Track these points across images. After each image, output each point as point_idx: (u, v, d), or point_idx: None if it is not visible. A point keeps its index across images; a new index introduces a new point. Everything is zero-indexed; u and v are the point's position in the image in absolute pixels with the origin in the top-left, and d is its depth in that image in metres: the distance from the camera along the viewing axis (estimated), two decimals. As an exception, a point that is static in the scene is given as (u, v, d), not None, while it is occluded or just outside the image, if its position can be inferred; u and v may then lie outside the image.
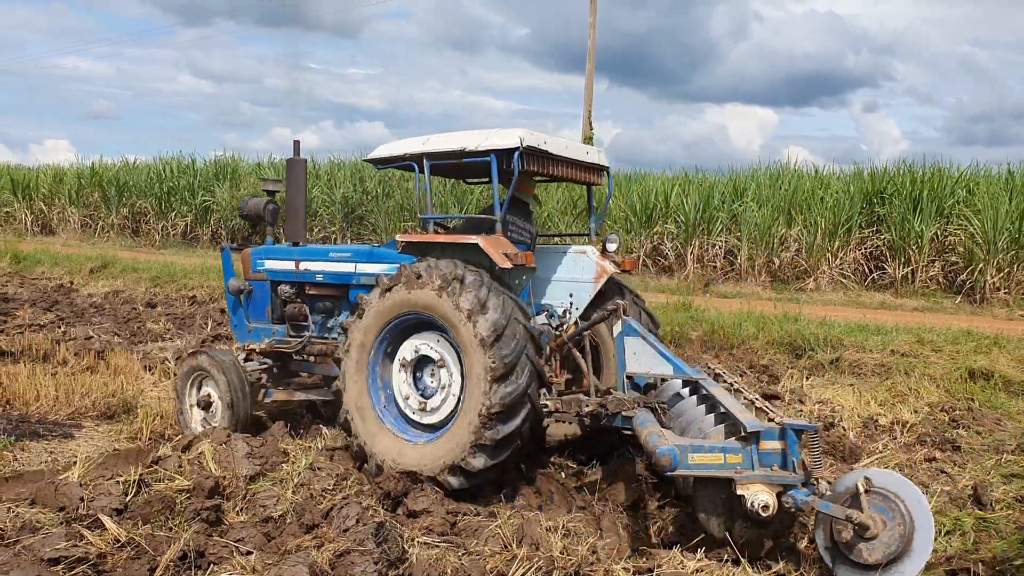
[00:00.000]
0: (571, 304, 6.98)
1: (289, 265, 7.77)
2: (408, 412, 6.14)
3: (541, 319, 6.84)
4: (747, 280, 18.37)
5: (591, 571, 4.33)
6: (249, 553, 4.58)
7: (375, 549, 4.35)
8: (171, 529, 4.83)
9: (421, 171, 6.43)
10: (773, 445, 4.66)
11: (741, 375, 10.18)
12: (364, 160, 7.14)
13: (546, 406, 5.99)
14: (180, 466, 5.89)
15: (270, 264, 7.94)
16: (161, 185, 28.97)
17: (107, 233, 29.88)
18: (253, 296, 8.07)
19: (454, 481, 5.57)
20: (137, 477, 5.53)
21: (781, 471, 4.60)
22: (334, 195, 25.22)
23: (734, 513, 4.68)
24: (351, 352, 6.21)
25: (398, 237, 6.57)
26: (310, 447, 6.42)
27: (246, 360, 7.49)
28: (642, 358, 6.13)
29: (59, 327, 12.18)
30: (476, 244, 6.02)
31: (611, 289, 7.01)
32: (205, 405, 7.25)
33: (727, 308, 12.85)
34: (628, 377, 6.18)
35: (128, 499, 5.28)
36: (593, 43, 24.43)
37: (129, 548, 4.49)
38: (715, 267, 19.10)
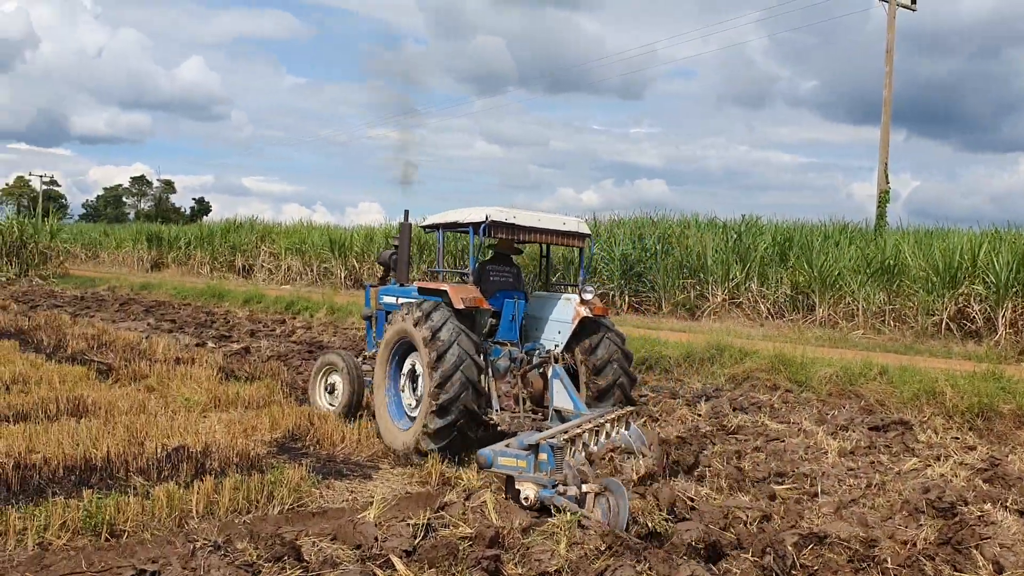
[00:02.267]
0: (559, 336, 9.07)
1: (393, 299, 10.00)
2: (406, 409, 8.61)
3: (510, 351, 8.94)
4: (1074, 349, 16.27)
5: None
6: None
7: (647, 615, 4.30)
8: (453, 575, 5.07)
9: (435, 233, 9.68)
10: (543, 456, 6.41)
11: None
12: (419, 226, 10.48)
13: (488, 415, 8.30)
14: (464, 513, 6.20)
15: (386, 298, 10.24)
16: (456, 243, 30.99)
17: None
18: (377, 320, 10.45)
19: (415, 457, 7.98)
20: (425, 521, 5.88)
21: (546, 474, 6.30)
22: (613, 252, 25.59)
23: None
24: (377, 364, 8.92)
25: (417, 283, 9.17)
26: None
27: (363, 363, 10.08)
28: (559, 396, 8.44)
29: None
30: (445, 291, 8.34)
31: (591, 327, 9.01)
32: (331, 390, 10.12)
33: (1047, 380, 11.46)
34: (556, 410, 8.40)
35: (417, 542, 5.62)
36: (889, 93, 23.19)
37: (415, 589, 4.77)
38: (1033, 333, 17.11)
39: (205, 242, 46.04)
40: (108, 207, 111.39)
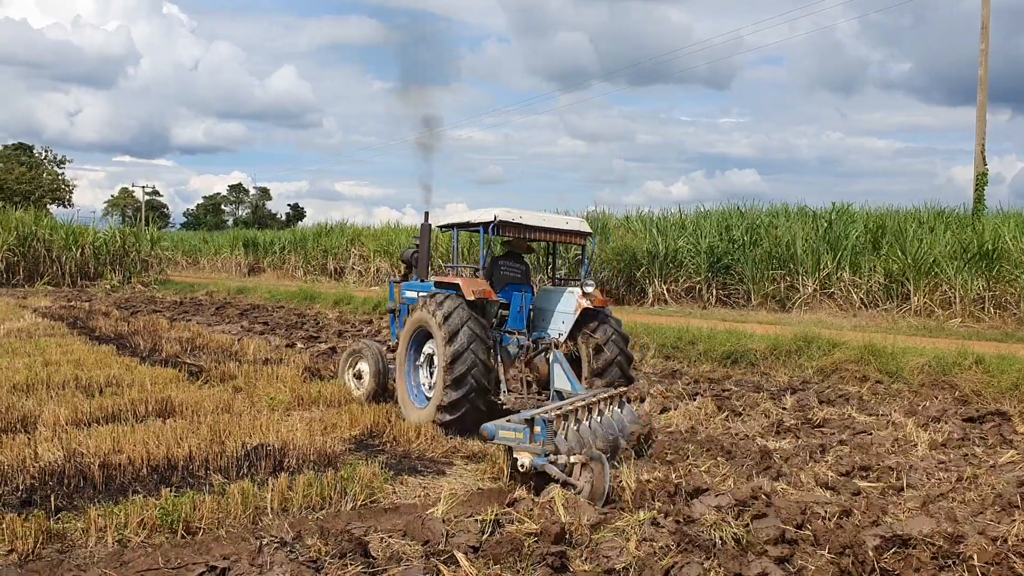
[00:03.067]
0: (563, 326, 9.79)
1: (414, 293, 10.69)
2: (423, 390, 9.58)
3: (518, 339, 9.82)
4: None
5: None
6: (589, 603, 4.63)
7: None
8: (518, 571, 5.03)
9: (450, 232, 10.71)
10: (537, 429, 7.03)
11: None
12: (436, 227, 11.18)
13: (497, 397, 9.24)
14: (532, 509, 6.15)
15: (407, 293, 10.97)
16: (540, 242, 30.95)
17: (493, 285, 32.50)
18: (400, 313, 11.19)
19: (436, 428, 8.81)
20: (493, 517, 5.86)
21: (540, 445, 6.93)
22: (699, 245, 25.17)
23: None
24: (398, 351, 9.88)
25: (433, 278, 10.10)
26: (643, 501, 6.36)
27: (388, 351, 10.99)
28: (559, 379, 9.26)
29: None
30: (457, 284, 9.19)
31: (592, 317, 9.72)
32: (357, 376, 11.14)
33: None
34: (557, 391, 9.15)
35: (484, 538, 5.60)
36: (985, 71, 22.18)
37: (478, 586, 4.75)
38: None
39: (298, 246, 47.25)
40: (208, 215, 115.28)
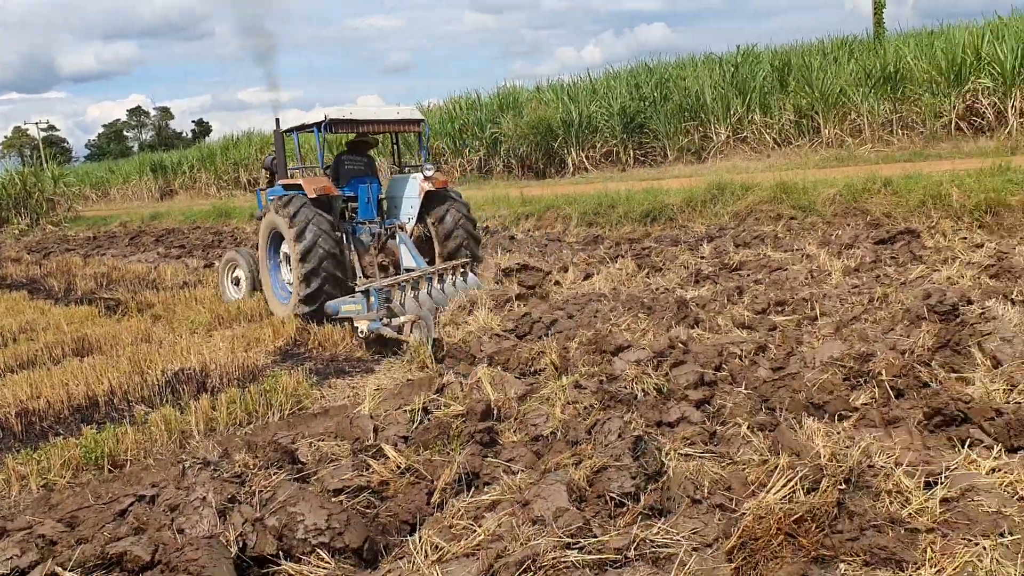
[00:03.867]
0: (412, 210, 10.57)
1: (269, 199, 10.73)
2: (286, 286, 10.17)
3: (369, 227, 10.51)
4: (1086, 129, 15.77)
5: (866, 479, 3.96)
6: (518, 472, 4.72)
7: (632, 464, 4.29)
8: (448, 453, 5.09)
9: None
10: (372, 299, 8.28)
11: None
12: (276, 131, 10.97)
13: (354, 284, 9.55)
14: (461, 391, 6.21)
15: (271, 198, 10.49)
16: (453, 124, 30.38)
17: (412, 176, 32.01)
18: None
19: (297, 320, 9.33)
20: (421, 405, 5.89)
21: (375, 312, 8.23)
22: (612, 107, 24.97)
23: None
24: (259, 254, 10.49)
25: (280, 181, 10.51)
26: (567, 366, 6.45)
27: None
28: (406, 257, 10.18)
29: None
30: (299, 184, 9.76)
31: (437, 199, 10.54)
32: (235, 282, 11.73)
33: (1056, 165, 11.14)
34: (406, 269, 10.01)
35: (414, 427, 5.65)
36: None
37: (409, 474, 4.79)
38: (1044, 119, 16.57)
39: (207, 163, 45.75)
40: (111, 143, 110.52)
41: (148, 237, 25.38)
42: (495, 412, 5.66)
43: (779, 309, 7.75)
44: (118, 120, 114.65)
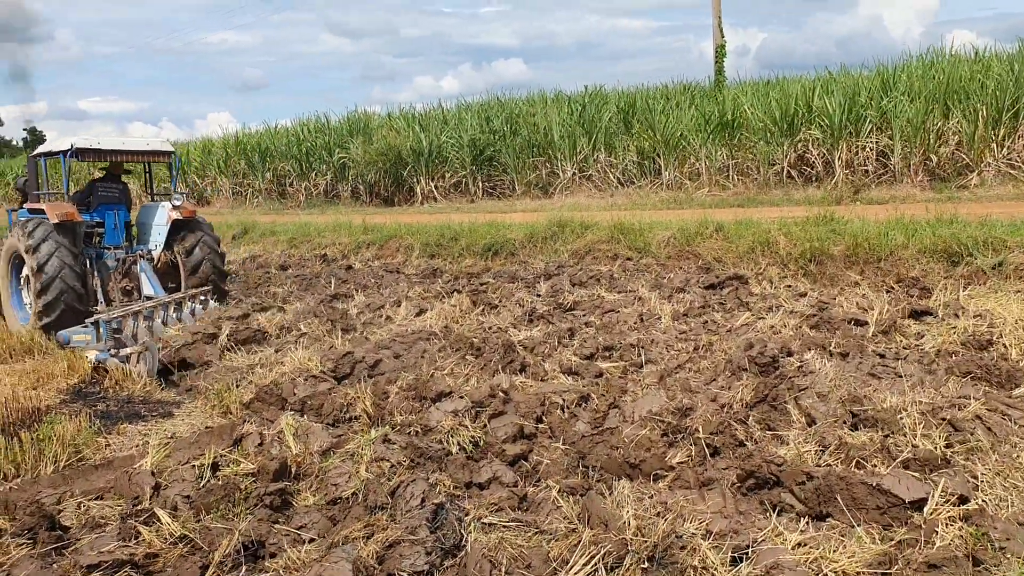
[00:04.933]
0: (159, 238, 10.90)
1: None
2: (26, 307, 10.28)
3: (115, 253, 10.75)
4: (902, 182, 16.66)
5: (673, 553, 3.73)
6: (310, 541, 4.26)
7: (428, 537, 3.92)
8: (233, 518, 4.56)
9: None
10: (101, 331, 8.40)
11: (887, 291, 9.13)
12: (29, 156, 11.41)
13: (95, 309, 9.77)
14: (260, 444, 5.68)
15: (17, 219, 10.70)
16: (300, 147, 29.50)
17: (256, 198, 30.84)
18: None
19: (38, 337, 9.40)
20: (211, 461, 5.32)
21: (104, 343, 8.38)
22: (463, 138, 24.83)
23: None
24: (0, 276, 10.60)
25: (26, 206, 10.73)
26: (382, 414, 6.04)
27: None
28: (146, 286, 10.43)
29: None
30: (42, 209, 9.87)
31: (185, 227, 10.87)
32: None
33: (875, 216, 11.61)
34: (146, 296, 10.25)
35: (203, 484, 5.08)
36: (715, -57, 22.71)
37: (183, 544, 4.25)
38: (867, 171, 17.43)
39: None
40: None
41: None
42: (293, 469, 5.16)
43: (607, 354, 7.59)
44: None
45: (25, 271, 10.12)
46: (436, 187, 25.32)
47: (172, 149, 11.45)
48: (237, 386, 7.38)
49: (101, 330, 8.42)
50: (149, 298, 10.10)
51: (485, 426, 5.65)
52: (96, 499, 5.01)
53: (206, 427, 6.51)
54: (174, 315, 9.64)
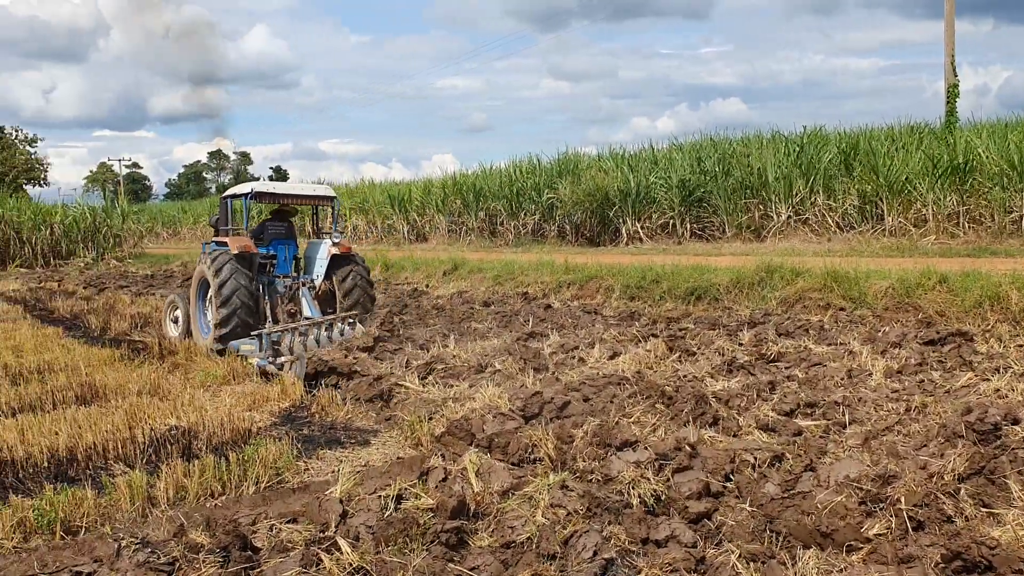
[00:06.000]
0: (320, 269, 12.62)
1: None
2: (210, 325, 11.68)
3: (283, 281, 12.56)
4: None
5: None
6: (481, 584, 4.25)
7: (595, 593, 3.79)
8: (408, 553, 4.63)
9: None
10: (267, 342, 10.20)
11: None
12: (221, 198, 13.63)
13: (269, 329, 10.74)
14: (444, 479, 5.75)
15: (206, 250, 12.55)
16: (512, 187, 30.32)
17: (469, 236, 31.94)
18: None
19: (216, 351, 11.12)
20: (397, 492, 5.45)
21: (264, 353, 10.14)
22: (671, 179, 24.59)
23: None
24: (191, 296, 12.49)
25: (214, 239, 12.66)
26: (564, 458, 5.95)
27: None
28: (306, 308, 12.12)
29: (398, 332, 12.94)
30: (225, 242, 11.83)
31: (342, 262, 12.59)
32: (175, 321, 13.39)
33: None
34: (307, 317, 11.84)
35: (386, 515, 5.21)
36: (951, -23, 21.32)
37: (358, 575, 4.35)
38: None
39: (274, 209, 46.41)
40: (190, 184, 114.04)
41: (201, 279, 25.55)
42: (472, 508, 5.19)
43: (808, 412, 7.15)
44: (199, 161, 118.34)
45: (210, 293, 11.65)
46: (642, 228, 25.20)
47: (334, 195, 13.19)
48: (430, 419, 7.57)
49: (263, 342, 10.20)
50: (308, 319, 11.67)
51: (668, 480, 5.44)
52: (288, 522, 5.24)
53: (397, 458, 6.70)
54: (325, 334, 11.16)
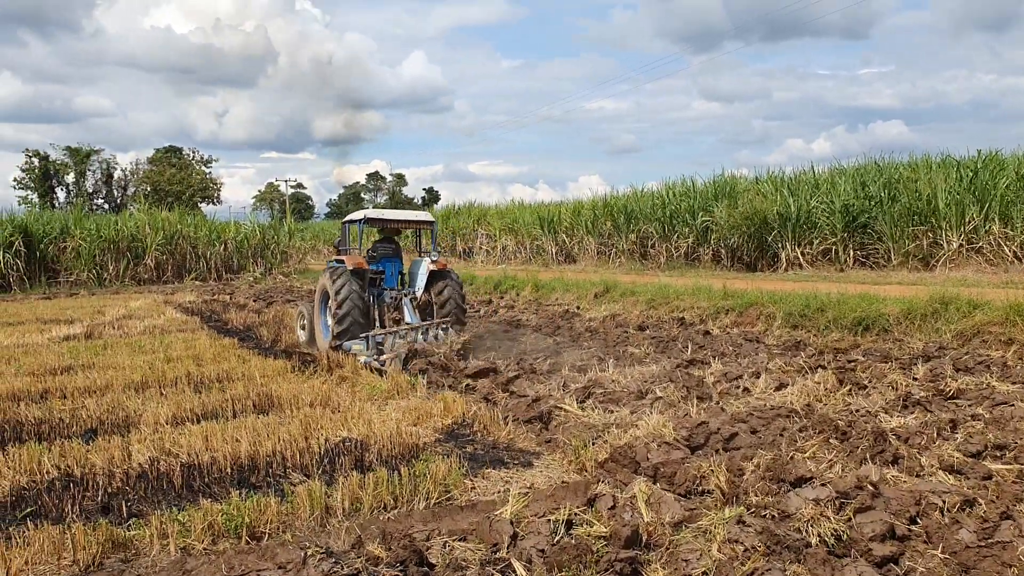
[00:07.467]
0: (420, 283, 14.63)
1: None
2: (329, 329, 13.70)
3: (390, 293, 14.84)
4: None
5: None
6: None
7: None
8: (583, 579, 4.61)
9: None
10: (372, 342, 12.47)
11: None
12: (342, 222, 16.19)
13: (375, 332, 12.86)
14: (613, 507, 5.71)
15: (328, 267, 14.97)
16: (664, 209, 30.02)
17: (619, 258, 31.80)
18: None
19: (331, 352, 12.76)
20: (566, 517, 5.44)
21: (370, 351, 12.40)
22: (834, 203, 23.72)
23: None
24: (314, 305, 14.87)
25: (334, 257, 14.87)
26: (736, 492, 5.79)
27: None
28: (408, 315, 14.37)
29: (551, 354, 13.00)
30: (343, 260, 13.98)
31: (439, 277, 14.54)
32: (303, 327, 15.46)
33: None
34: (407, 323, 13.93)
35: (557, 540, 5.21)
36: None
37: (534, 598, 4.36)
38: None
39: (427, 229, 47.68)
40: (349, 204, 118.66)
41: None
42: (644, 538, 5.12)
43: (998, 454, 6.69)
44: (357, 183, 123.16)
45: (329, 301, 13.68)
46: (802, 254, 24.41)
47: (433, 219, 15.49)
48: (592, 444, 7.54)
49: (369, 342, 12.47)
50: (408, 324, 13.80)
51: (850, 520, 5.21)
52: (460, 540, 5.33)
53: (562, 482, 6.70)
54: (421, 337, 13.05)
